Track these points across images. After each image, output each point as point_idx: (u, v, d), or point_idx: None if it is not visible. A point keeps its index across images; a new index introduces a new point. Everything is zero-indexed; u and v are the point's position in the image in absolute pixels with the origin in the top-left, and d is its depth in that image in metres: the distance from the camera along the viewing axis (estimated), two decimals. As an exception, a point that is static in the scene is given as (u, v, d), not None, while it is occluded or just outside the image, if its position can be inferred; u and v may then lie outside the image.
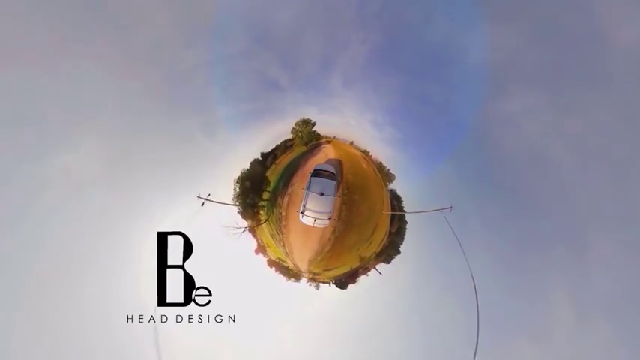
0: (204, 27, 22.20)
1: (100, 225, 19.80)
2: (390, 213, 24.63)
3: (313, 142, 28.85)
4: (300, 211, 20.54)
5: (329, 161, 25.93)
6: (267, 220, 23.79)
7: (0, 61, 17.20)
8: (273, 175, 25.68)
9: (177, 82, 22.57)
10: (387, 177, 25.51)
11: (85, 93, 19.50)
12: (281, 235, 23.10)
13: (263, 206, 24.07)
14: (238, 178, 23.92)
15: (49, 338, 16.84)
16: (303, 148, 28.50)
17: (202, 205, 18.44)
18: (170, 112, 23.27)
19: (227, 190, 24.92)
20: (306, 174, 21.67)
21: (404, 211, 24.92)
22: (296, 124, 28.19)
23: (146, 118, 22.19)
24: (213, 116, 24.88)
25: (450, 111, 23.89)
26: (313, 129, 28.47)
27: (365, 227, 23.54)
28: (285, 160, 27.25)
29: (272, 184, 24.99)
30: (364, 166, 26.19)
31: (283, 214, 22.86)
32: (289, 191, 23.22)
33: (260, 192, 24.10)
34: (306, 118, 28.13)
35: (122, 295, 17.37)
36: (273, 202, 23.83)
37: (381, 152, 26.50)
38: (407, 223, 25.41)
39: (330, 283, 25.50)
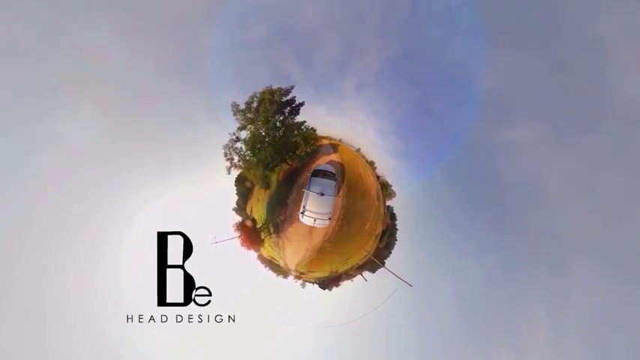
0: (226, 9, 20.74)
1: (90, 206, 18.00)
2: (367, 255, 24.57)
3: (307, 148, 24.30)
4: (301, 211, 20.22)
5: (330, 162, 25.53)
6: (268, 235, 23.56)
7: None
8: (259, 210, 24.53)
9: (189, 60, 21.02)
10: (389, 194, 25.57)
11: (92, 57, 17.20)
12: (278, 249, 23.34)
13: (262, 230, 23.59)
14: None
15: (48, 338, 15.07)
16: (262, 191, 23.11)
17: (216, 247, 19.02)
18: (176, 90, 21.84)
19: (224, 173, 23.71)
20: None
21: (382, 262, 24.68)
22: (247, 109, 18.42)
23: (151, 92, 20.52)
24: (220, 100, 23.39)
25: (455, 129, 24.86)
26: (296, 118, 20.59)
27: (338, 257, 24.08)
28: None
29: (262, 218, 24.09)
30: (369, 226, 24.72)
31: (281, 243, 23.01)
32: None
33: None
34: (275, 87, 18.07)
35: (122, 295, 16.00)
36: (269, 230, 23.60)
37: (383, 161, 26.76)
38: (396, 240, 25.47)
39: (313, 283, 25.63)
